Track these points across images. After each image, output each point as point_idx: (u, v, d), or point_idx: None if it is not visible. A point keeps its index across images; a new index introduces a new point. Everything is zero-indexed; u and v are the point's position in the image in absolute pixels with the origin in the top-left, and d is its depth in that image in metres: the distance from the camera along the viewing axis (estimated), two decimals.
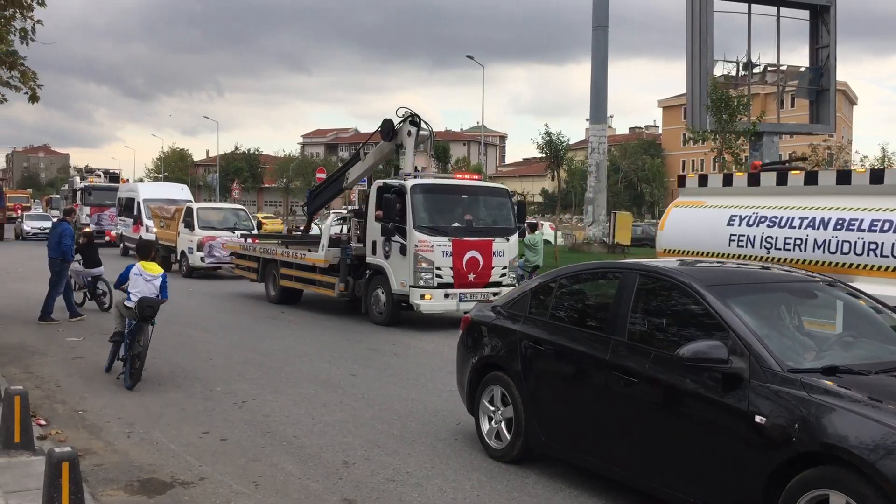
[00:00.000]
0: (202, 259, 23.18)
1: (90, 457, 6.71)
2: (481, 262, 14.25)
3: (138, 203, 30.27)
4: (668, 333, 5.68)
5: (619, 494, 5.98)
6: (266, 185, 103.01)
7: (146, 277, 9.71)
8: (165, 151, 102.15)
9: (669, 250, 11.90)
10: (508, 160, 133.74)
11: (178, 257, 24.59)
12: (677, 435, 5.24)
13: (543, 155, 39.83)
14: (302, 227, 23.25)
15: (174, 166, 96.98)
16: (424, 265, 13.92)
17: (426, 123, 15.76)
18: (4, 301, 17.04)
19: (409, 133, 15.46)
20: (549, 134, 37.63)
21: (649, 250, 37.90)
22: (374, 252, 14.89)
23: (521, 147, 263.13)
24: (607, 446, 5.79)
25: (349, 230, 16.42)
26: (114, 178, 41.88)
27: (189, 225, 23.73)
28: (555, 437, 6.30)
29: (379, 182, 15.40)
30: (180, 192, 32.92)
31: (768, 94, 51.54)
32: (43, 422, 7.66)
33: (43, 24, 14.05)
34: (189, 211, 24.27)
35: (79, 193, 39.16)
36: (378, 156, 16.90)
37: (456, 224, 14.53)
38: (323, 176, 41.93)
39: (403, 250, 14.11)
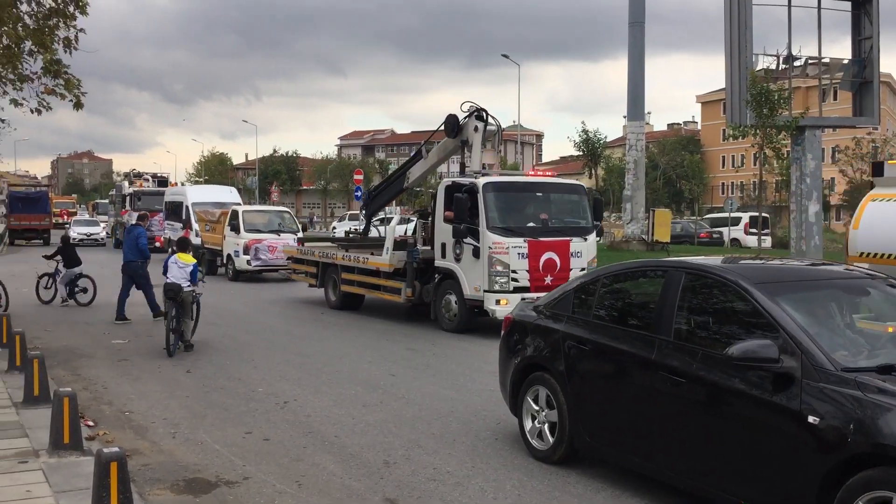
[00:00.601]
0: (248, 262, 23.07)
1: (137, 457, 6.80)
2: (559, 264, 13.50)
3: (187, 207, 29.87)
4: (716, 332, 5.56)
5: (661, 494, 5.89)
6: (304, 188, 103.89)
7: (179, 265, 11.84)
8: (205, 156, 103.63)
9: (869, 254, 9.92)
10: (546, 158, 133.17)
11: (225, 261, 24.52)
12: (726, 436, 5.14)
13: (581, 153, 39.59)
14: (360, 230, 22.81)
15: (214, 170, 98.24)
16: (499, 268, 13.19)
17: (493, 118, 15.01)
18: (55, 303, 17.37)
19: (476, 128, 14.74)
20: (585, 132, 37.53)
21: (689, 248, 37.48)
22: (443, 255, 14.15)
23: (559, 145, 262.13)
24: (654, 447, 5.70)
25: (414, 232, 15.76)
26: (162, 182, 40.98)
27: (235, 228, 23.59)
28: (600, 437, 6.23)
29: (447, 180, 14.71)
30: (229, 194, 32.19)
31: (810, 88, 50.63)
32: (91, 423, 7.79)
33: (85, 32, 14.32)
34: (234, 214, 24.11)
35: (128, 199, 38.44)
36: (441, 153, 16.25)
37: (531, 224, 13.75)
38: (360, 178, 41.97)
39: (476, 253, 13.35)
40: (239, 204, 29.01)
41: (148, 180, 40.53)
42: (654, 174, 73.84)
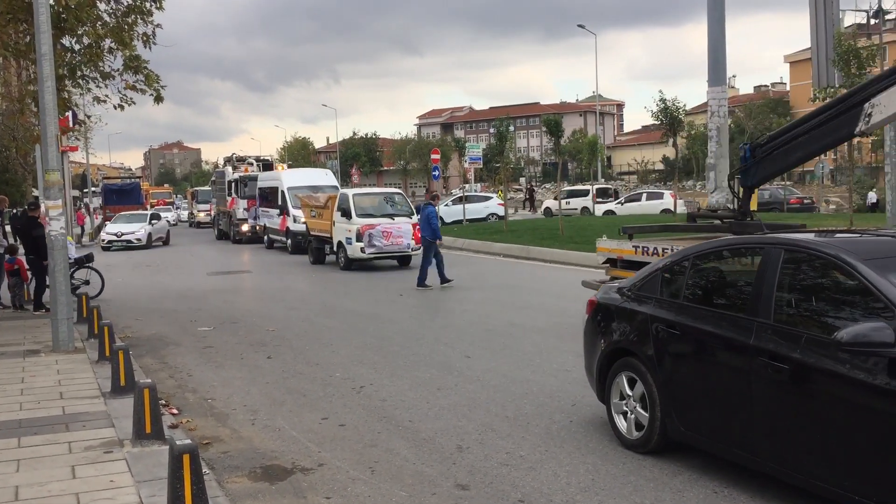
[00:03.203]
0: (362, 249, 20.82)
1: (217, 444, 6.89)
2: None
3: (282, 192, 28.38)
4: (822, 314, 5.13)
5: (740, 477, 5.63)
6: (385, 168, 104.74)
7: (71, 244, 15.02)
8: (288, 141, 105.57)
9: None
10: (627, 129, 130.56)
11: (335, 248, 22.51)
12: (834, 427, 4.74)
13: (659, 122, 38.53)
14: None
15: (297, 155, 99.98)
16: None
17: None
18: (147, 292, 18.05)
19: None
20: (663, 101, 36.32)
21: (778, 215, 36.15)
22: None
23: (640, 115, 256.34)
24: (754, 438, 5.32)
25: None
26: (267, 165, 37.69)
27: (346, 213, 21.37)
28: (694, 426, 5.87)
29: None
30: (325, 177, 30.49)
31: None
32: (175, 411, 7.94)
33: (162, 27, 14.70)
34: (344, 198, 21.89)
35: (233, 185, 35.79)
36: None
37: None
38: (437, 157, 39.96)
39: None
40: (335, 187, 27.43)
41: (252, 164, 37.70)
42: (741, 139, 71.43)
